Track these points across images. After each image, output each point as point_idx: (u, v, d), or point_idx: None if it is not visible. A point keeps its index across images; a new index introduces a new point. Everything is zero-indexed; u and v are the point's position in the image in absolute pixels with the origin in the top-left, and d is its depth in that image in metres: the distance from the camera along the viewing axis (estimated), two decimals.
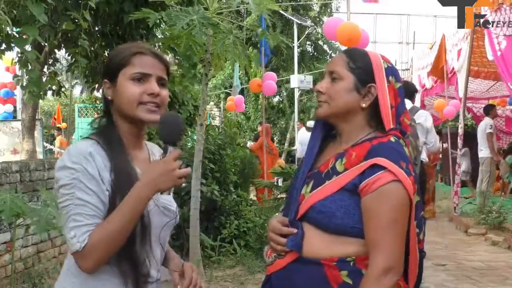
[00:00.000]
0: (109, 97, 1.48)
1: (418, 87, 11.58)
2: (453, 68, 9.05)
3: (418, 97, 11.71)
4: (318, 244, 1.48)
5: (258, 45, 9.98)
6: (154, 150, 1.63)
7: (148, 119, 1.45)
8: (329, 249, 1.46)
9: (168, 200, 1.54)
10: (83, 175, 1.35)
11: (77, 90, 28.88)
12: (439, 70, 9.50)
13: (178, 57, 5.56)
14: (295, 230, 1.51)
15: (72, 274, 1.43)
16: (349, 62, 1.53)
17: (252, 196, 9.34)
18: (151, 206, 1.44)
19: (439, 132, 9.50)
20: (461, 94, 8.98)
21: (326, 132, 1.63)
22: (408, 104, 5.03)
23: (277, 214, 1.80)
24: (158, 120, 1.44)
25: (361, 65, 1.52)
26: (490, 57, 7.15)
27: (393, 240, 1.40)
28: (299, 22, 17.94)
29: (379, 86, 1.51)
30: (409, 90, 4.99)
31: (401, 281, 1.50)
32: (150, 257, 1.47)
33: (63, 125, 19.67)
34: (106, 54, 6.42)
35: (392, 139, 1.48)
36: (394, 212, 1.40)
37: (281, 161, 11.20)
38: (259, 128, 10.67)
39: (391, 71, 1.54)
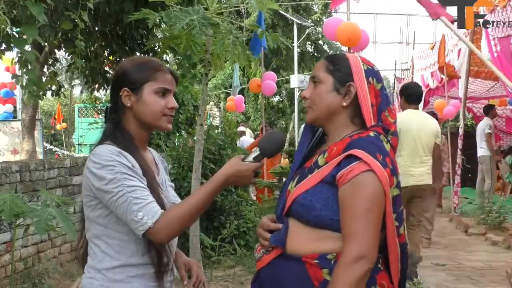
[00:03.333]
0: (128, 104, 1.62)
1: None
2: (454, 68, 9.03)
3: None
4: (301, 239, 1.51)
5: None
6: (154, 153, 1.80)
7: (168, 128, 1.67)
8: (311, 244, 1.49)
9: (174, 196, 1.75)
10: (122, 167, 1.50)
11: (77, 90, 28.84)
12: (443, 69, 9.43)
13: (178, 57, 5.55)
14: (280, 226, 1.55)
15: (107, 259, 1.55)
16: (328, 65, 1.61)
17: (252, 196, 9.34)
18: (165, 201, 1.60)
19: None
20: (461, 94, 8.95)
21: (318, 138, 1.71)
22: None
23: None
24: (170, 128, 1.66)
25: (339, 67, 1.59)
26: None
27: (366, 229, 1.42)
28: (299, 22, 17.92)
29: (359, 85, 1.57)
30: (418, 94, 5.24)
31: (385, 279, 1.53)
32: (170, 247, 1.62)
33: (63, 125, 19.67)
34: (105, 54, 6.42)
35: (372, 134, 1.53)
36: (367, 202, 1.43)
37: (286, 161, 11.15)
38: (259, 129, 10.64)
39: (371, 72, 1.60)
